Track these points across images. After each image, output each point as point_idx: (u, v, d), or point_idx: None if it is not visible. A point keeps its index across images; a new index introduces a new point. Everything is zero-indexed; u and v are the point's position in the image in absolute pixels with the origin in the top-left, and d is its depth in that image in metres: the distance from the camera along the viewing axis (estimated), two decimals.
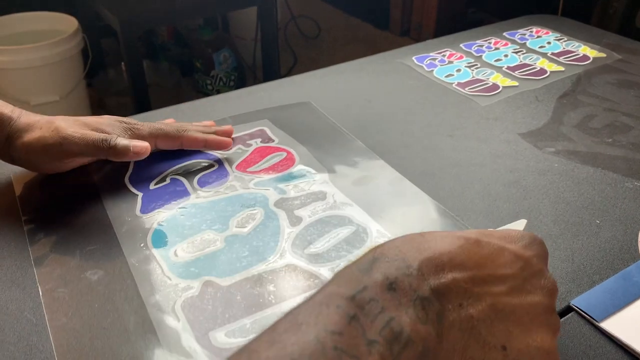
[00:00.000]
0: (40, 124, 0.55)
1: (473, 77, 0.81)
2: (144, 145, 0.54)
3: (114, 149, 0.53)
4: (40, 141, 0.53)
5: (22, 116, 0.55)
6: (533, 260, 0.29)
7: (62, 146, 0.53)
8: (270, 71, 1.99)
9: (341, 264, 0.48)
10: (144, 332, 0.41)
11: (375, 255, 0.27)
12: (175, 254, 0.48)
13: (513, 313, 0.27)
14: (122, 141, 0.54)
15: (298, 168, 0.60)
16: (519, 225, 0.36)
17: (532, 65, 0.84)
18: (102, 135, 0.54)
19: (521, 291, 0.27)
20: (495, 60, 0.85)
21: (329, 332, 0.23)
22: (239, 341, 0.41)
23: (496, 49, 0.89)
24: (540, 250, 0.30)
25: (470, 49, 0.89)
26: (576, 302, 0.44)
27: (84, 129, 0.55)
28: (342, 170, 0.60)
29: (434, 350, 0.25)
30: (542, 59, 0.85)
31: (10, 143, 0.54)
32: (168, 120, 0.64)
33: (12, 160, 0.55)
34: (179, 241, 0.50)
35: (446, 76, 0.81)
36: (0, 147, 0.54)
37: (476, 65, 0.84)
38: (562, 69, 0.83)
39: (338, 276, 0.27)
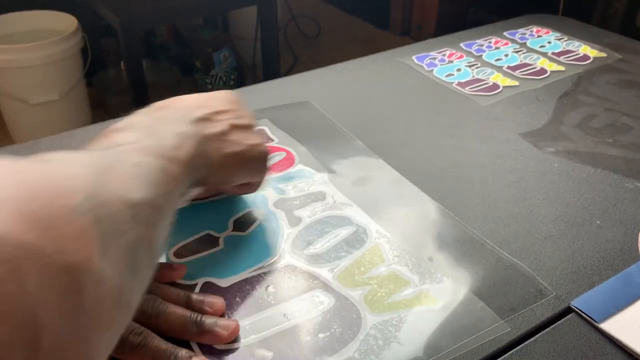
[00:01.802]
0: None
1: (473, 76, 0.80)
2: None
3: None
4: None
5: None
6: (235, 103, 0.49)
7: None
8: (270, 71, 1.99)
9: (341, 264, 0.47)
10: None
11: (151, 109, 0.44)
12: (174, 255, 0.48)
13: (238, 126, 0.47)
14: None
15: (297, 168, 0.60)
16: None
17: (532, 64, 0.84)
18: None
19: (237, 117, 0.47)
20: (496, 60, 0.85)
21: (139, 129, 0.40)
22: (238, 343, 0.41)
23: (496, 48, 0.89)
24: (237, 98, 0.50)
25: (471, 48, 0.89)
26: (576, 302, 0.44)
27: None
28: (342, 170, 0.60)
29: (204, 147, 0.43)
30: (542, 59, 0.85)
31: None
32: None
33: None
34: (178, 241, 0.50)
35: (446, 76, 0.81)
36: None
37: (476, 64, 0.84)
38: (563, 68, 0.83)
39: (132, 117, 0.42)
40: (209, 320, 0.40)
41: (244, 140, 0.47)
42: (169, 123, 0.41)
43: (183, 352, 0.38)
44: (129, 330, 0.38)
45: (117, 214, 0.30)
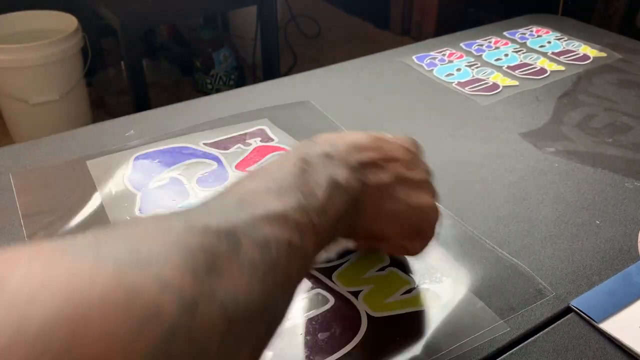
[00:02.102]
0: None
1: (473, 76, 0.80)
2: None
3: None
4: None
5: None
6: (413, 151, 0.43)
7: None
8: (270, 70, 1.99)
9: (340, 264, 0.47)
10: None
11: (311, 141, 0.38)
12: None
13: (409, 180, 0.40)
14: None
15: None
16: None
17: (532, 64, 0.84)
18: None
19: (410, 168, 0.41)
20: (496, 60, 0.85)
21: (288, 173, 0.33)
22: None
23: (496, 48, 0.89)
24: (418, 147, 0.44)
25: (471, 48, 0.89)
26: (576, 302, 0.44)
27: None
28: None
29: (360, 199, 0.37)
30: (542, 59, 0.85)
31: None
32: None
33: None
34: None
35: (446, 75, 0.81)
36: None
37: (476, 64, 0.84)
38: (563, 68, 0.83)
39: (291, 150, 0.37)
40: None
41: (410, 198, 0.39)
42: (325, 165, 0.35)
43: None
44: None
45: (209, 345, 0.22)
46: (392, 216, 0.39)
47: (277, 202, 0.30)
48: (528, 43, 0.90)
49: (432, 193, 0.42)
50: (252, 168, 0.60)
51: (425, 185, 0.41)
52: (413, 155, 0.42)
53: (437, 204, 0.42)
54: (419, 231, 0.42)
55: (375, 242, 0.43)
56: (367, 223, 0.38)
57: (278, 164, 0.35)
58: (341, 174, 0.35)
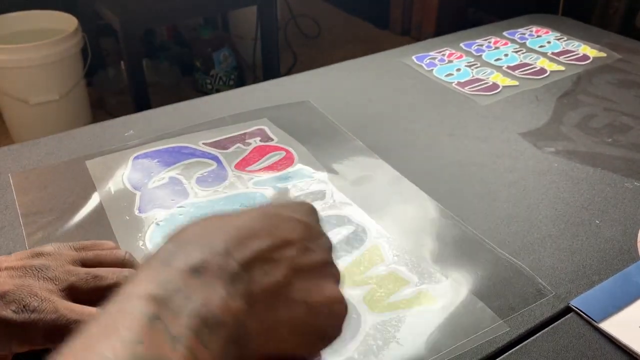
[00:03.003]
0: None
1: (473, 76, 0.80)
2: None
3: None
4: None
5: None
6: (312, 224, 0.32)
7: None
8: (270, 70, 1.99)
9: (340, 263, 0.47)
10: None
11: (175, 243, 0.27)
12: None
13: (306, 271, 0.29)
14: None
15: (297, 167, 0.60)
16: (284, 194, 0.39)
17: (532, 64, 0.84)
18: None
19: (308, 251, 0.30)
20: (495, 60, 0.85)
21: (127, 342, 0.22)
22: None
23: (496, 48, 0.89)
24: (316, 216, 0.34)
25: (470, 48, 0.89)
26: (575, 302, 0.44)
27: None
28: (342, 170, 0.60)
29: (246, 322, 0.26)
30: (542, 59, 0.85)
31: None
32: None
33: None
34: None
35: (446, 75, 0.81)
36: None
37: (476, 64, 0.84)
38: (562, 68, 0.83)
39: (138, 273, 0.26)
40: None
41: (311, 294, 0.29)
42: (190, 293, 0.24)
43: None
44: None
45: None
46: (289, 326, 0.28)
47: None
48: (528, 43, 0.90)
49: (336, 276, 0.32)
50: (251, 168, 0.60)
51: (327, 268, 0.31)
52: (311, 230, 0.31)
53: (341, 290, 0.31)
54: (324, 334, 0.30)
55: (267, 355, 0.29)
56: (256, 347, 0.27)
57: (110, 321, 0.23)
58: (215, 300, 0.25)
